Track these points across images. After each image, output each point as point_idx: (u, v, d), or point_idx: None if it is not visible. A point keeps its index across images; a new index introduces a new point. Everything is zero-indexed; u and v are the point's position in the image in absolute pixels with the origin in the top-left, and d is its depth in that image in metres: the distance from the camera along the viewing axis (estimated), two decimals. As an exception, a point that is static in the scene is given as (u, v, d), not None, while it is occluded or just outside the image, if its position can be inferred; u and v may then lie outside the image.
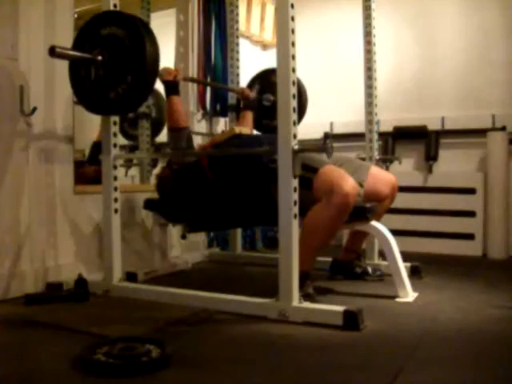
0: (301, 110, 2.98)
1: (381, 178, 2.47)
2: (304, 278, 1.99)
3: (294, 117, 1.82)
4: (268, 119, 3.04)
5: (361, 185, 2.30)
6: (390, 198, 2.49)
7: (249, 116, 2.97)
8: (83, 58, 2.04)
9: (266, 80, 3.15)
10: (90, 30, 2.08)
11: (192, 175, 2.40)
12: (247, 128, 2.82)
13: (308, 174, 2.08)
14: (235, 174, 2.32)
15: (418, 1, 3.74)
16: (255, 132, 3.05)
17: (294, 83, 1.83)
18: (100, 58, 2.02)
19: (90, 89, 2.07)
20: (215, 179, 2.32)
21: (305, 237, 2.04)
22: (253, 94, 3.02)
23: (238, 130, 2.53)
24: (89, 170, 2.75)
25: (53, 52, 1.91)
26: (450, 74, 3.61)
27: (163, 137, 3.33)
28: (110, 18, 2.06)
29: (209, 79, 3.36)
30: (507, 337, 1.72)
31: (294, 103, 1.82)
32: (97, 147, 2.78)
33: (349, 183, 2.02)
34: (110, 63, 2.02)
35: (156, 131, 3.22)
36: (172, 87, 2.40)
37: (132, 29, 1.99)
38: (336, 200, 1.99)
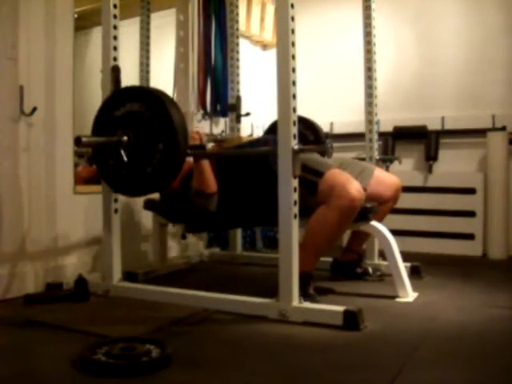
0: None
1: (384, 180, 2.47)
2: (306, 278, 2.00)
3: (294, 117, 1.82)
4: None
5: (364, 189, 2.30)
6: (393, 200, 2.50)
7: None
8: (110, 142, 1.94)
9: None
10: (104, 116, 2.01)
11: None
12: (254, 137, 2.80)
13: (313, 178, 2.08)
14: (240, 175, 2.31)
15: (418, 1, 3.74)
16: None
17: (294, 83, 1.83)
18: (125, 138, 1.92)
19: (126, 173, 1.96)
20: (219, 181, 2.32)
21: (309, 238, 2.05)
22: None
23: (245, 139, 2.52)
24: (84, 171, 2.75)
25: (79, 142, 1.84)
26: (450, 74, 3.61)
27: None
28: (120, 98, 2.00)
29: (209, 79, 3.36)
30: (507, 337, 1.72)
31: (294, 103, 1.82)
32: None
33: (354, 187, 2.03)
34: (136, 140, 1.92)
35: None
36: (200, 151, 2.25)
37: (145, 98, 1.92)
38: (341, 204, 2.00)
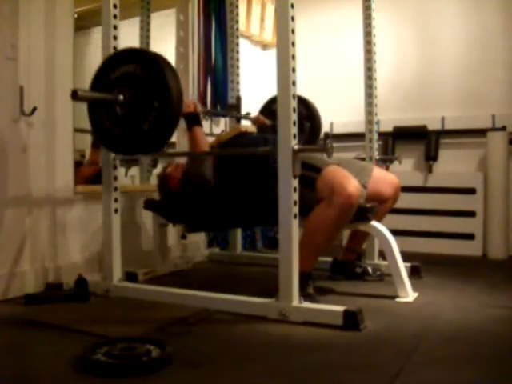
0: (315, 134, 2.99)
1: (384, 179, 2.48)
2: (305, 278, 1.99)
3: (294, 117, 1.82)
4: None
5: (364, 186, 2.30)
6: (393, 199, 2.49)
7: None
8: (105, 99, 1.98)
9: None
10: (100, 80, 2.03)
11: None
12: (253, 126, 2.80)
13: (311, 174, 2.08)
14: (239, 173, 2.31)
15: (418, 1, 3.74)
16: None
17: (294, 83, 1.83)
18: (121, 97, 1.96)
19: (121, 132, 1.99)
20: (219, 179, 2.31)
21: (307, 237, 2.04)
22: (268, 121, 2.97)
23: (243, 128, 2.53)
24: (86, 170, 2.75)
25: (75, 95, 1.87)
26: (450, 74, 3.61)
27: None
28: (116, 61, 2.03)
29: (209, 79, 3.36)
30: (507, 337, 1.72)
31: (293, 103, 1.82)
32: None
33: (352, 184, 2.02)
34: (132, 99, 1.95)
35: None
36: (193, 119, 2.34)
37: (139, 59, 1.96)
38: (339, 201, 1.99)
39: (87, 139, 2.98)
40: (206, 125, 3.41)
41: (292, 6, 1.82)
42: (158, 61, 1.92)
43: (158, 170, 2.92)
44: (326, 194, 2.03)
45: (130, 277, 2.47)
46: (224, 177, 2.32)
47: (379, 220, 2.36)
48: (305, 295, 1.92)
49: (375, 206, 2.25)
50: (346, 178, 2.06)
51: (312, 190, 2.06)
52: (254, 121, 3.02)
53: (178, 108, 1.93)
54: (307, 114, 2.91)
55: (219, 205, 2.35)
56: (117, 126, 2.00)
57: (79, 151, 2.83)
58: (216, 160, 2.35)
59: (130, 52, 2.06)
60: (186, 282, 2.59)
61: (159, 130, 1.92)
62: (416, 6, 3.74)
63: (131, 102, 1.96)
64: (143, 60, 1.96)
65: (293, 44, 1.82)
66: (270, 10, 3.95)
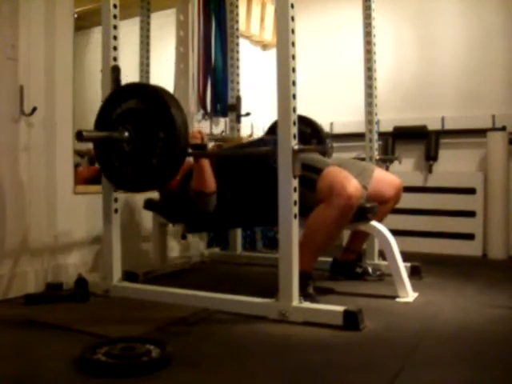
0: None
1: (385, 179, 2.48)
2: (305, 278, 1.99)
3: (294, 117, 1.82)
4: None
5: (365, 187, 2.30)
6: (394, 200, 2.49)
7: None
8: (111, 137, 1.97)
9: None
10: (103, 120, 2.04)
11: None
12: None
13: (312, 175, 2.08)
14: (239, 174, 2.31)
15: (418, 1, 3.74)
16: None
17: (294, 83, 1.83)
18: (126, 133, 1.96)
19: (132, 170, 1.98)
20: (219, 180, 2.31)
21: (307, 238, 2.05)
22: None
23: (245, 139, 2.52)
24: (85, 171, 2.75)
25: (80, 136, 1.88)
26: (450, 74, 3.61)
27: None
28: (115, 99, 2.04)
29: (209, 79, 3.36)
30: (507, 337, 1.72)
31: (294, 103, 1.82)
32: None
33: (352, 185, 2.02)
34: (137, 134, 1.95)
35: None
36: (201, 150, 2.25)
37: (139, 93, 1.97)
38: (339, 201, 1.99)
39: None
40: (205, 125, 3.42)
41: (292, 6, 1.82)
42: (158, 92, 1.93)
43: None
44: (326, 195, 2.04)
45: (130, 277, 2.46)
46: (224, 177, 2.32)
47: (380, 220, 2.36)
48: (305, 295, 1.92)
49: (375, 206, 2.25)
50: (346, 178, 2.06)
51: (312, 191, 2.06)
52: None
53: (184, 135, 1.91)
54: (312, 132, 2.89)
55: (219, 205, 2.35)
56: (126, 164, 2.00)
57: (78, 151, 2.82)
58: (216, 163, 2.34)
59: (128, 88, 2.06)
60: (185, 282, 2.59)
61: (168, 161, 1.91)
62: (416, 6, 3.74)
63: (137, 137, 1.95)
64: (142, 94, 1.96)
65: (293, 44, 1.82)
66: (270, 10, 3.95)
